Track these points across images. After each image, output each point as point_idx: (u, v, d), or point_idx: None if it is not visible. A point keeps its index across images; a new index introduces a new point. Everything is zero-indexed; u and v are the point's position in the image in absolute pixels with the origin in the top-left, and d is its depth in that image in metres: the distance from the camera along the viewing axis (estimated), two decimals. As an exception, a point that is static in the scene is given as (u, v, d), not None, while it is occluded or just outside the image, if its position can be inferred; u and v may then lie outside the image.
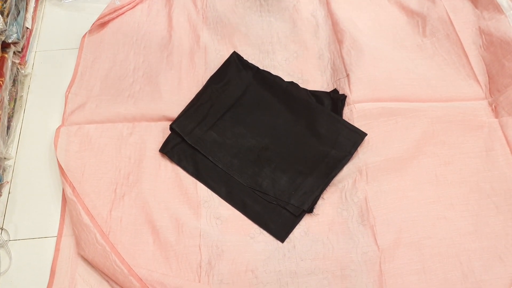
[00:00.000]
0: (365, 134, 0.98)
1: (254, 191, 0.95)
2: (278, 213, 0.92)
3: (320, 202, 0.93)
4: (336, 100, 1.03)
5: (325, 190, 0.94)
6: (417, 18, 1.15)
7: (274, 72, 1.10)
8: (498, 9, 1.06)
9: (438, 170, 0.95)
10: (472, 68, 1.06)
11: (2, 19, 1.03)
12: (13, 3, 1.09)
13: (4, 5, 1.05)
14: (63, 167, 0.94)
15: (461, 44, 1.08)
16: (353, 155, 0.96)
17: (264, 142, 1.00)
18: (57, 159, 0.95)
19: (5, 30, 1.04)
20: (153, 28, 1.18)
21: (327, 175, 0.95)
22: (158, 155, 0.99)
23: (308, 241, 0.89)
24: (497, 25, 1.05)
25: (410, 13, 1.16)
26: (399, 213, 0.91)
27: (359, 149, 0.97)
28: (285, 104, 1.04)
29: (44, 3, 1.24)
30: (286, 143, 1.00)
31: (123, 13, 1.20)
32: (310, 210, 0.92)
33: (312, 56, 1.13)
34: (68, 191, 0.92)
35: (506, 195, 0.92)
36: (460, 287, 0.84)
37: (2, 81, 1.02)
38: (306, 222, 0.92)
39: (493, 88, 1.02)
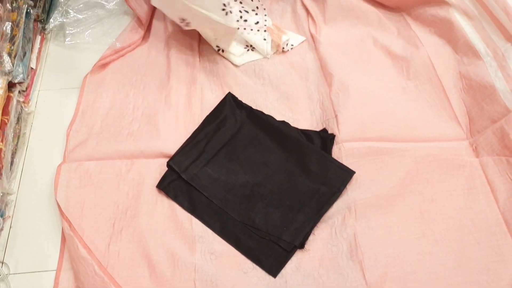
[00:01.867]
0: (353, 172, 1.03)
1: (247, 227, 0.99)
2: (271, 249, 0.96)
3: (311, 238, 0.97)
4: (325, 139, 1.09)
5: (315, 226, 0.98)
6: (402, 62, 1.21)
7: (266, 111, 1.16)
8: (476, 55, 1.13)
9: (423, 207, 1.00)
10: (453, 110, 1.12)
11: (10, 61, 1.08)
12: (20, 45, 1.14)
13: (12, 47, 1.11)
14: (61, 206, 0.98)
15: (443, 87, 1.15)
16: (342, 192, 1.01)
17: (257, 178, 1.05)
18: (56, 198, 0.99)
19: (12, 71, 1.09)
20: (152, 69, 1.24)
21: (317, 211, 0.99)
22: (155, 190, 1.03)
23: (300, 276, 0.93)
24: (476, 70, 1.12)
25: (395, 57, 1.23)
26: (386, 248, 0.95)
27: (348, 186, 1.02)
28: (277, 142, 1.09)
29: (48, 43, 1.30)
30: (278, 179, 1.04)
31: (123, 55, 1.26)
32: (301, 245, 0.96)
33: (302, 96, 1.19)
34: (66, 227, 0.96)
35: (487, 231, 0.97)
36: (444, 320, 0.88)
37: (7, 119, 1.06)
38: (298, 257, 0.95)
39: (473, 129, 1.09)
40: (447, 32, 1.20)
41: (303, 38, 1.30)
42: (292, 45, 1.28)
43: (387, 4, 1.32)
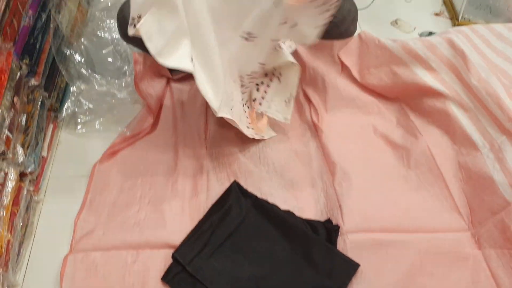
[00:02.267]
0: (358, 265, 1.03)
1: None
2: None
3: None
4: (330, 230, 1.10)
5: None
6: (402, 151, 1.25)
7: (271, 199, 1.18)
8: (474, 146, 1.17)
9: (429, 301, 1.00)
10: (454, 200, 1.14)
11: (23, 152, 1.12)
12: (34, 135, 1.19)
13: (26, 138, 1.15)
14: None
15: (443, 177, 1.18)
16: (348, 286, 1.01)
17: (262, 271, 1.05)
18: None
19: (24, 162, 1.13)
20: (160, 156, 1.28)
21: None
22: (160, 283, 1.03)
23: None
24: (474, 161, 1.15)
25: (395, 146, 1.27)
26: None
27: (353, 279, 1.02)
28: (282, 232, 1.11)
29: (60, 131, 1.35)
30: (284, 272, 1.04)
31: (132, 143, 1.30)
32: None
33: (306, 184, 1.22)
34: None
35: (494, 327, 0.96)
36: None
37: (17, 209, 1.09)
38: None
39: (475, 221, 1.10)
40: (444, 123, 1.24)
41: (274, 135, 1.33)
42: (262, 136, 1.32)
43: (386, 95, 1.38)
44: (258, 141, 1.31)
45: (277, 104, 1.29)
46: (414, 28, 1.70)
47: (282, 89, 1.27)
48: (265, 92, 1.29)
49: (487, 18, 1.58)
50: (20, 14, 1.15)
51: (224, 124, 1.33)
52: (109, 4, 1.52)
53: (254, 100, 1.29)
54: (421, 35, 1.57)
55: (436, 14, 1.76)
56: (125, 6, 1.28)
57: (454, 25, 1.69)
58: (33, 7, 1.20)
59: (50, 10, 1.29)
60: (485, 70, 1.18)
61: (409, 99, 1.34)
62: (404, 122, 1.31)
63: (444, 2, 1.79)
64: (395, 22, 1.73)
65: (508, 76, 1.22)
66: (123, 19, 1.26)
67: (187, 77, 1.44)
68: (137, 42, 1.29)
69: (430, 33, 1.53)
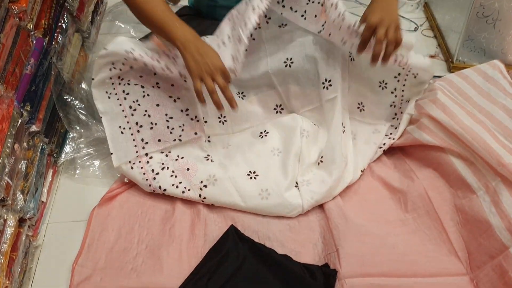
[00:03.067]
0: (356, 310, 1.03)
1: None
2: None
3: None
4: (327, 275, 1.10)
5: None
6: (399, 194, 1.26)
7: (269, 243, 1.18)
8: (470, 189, 1.17)
9: None
10: (452, 244, 1.14)
11: (22, 198, 1.13)
12: (33, 181, 1.20)
13: (26, 184, 1.16)
14: None
15: (440, 221, 1.17)
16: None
17: (259, 318, 1.04)
18: None
19: (23, 208, 1.13)
20: (157, 200, 1.28)
21: None
22: (157, 330, 1.03)
23: None
24: (470, 204, 1.15)
25: (392, 189, 1.28)
26: None
27: (351, 328, 1.01)
28: (280, 278, 1.10)
29: (59, 176, 1.36)
30: (281, 320, 1.04)
31: (130, 187, 1.31)
32: None
33: (304, 228, 1.22)
34: None
35: None
36: None
37: (15, 255, 1.09)
38: None
39: (473, 265, 1.10)
40: (439, 167, 1.25)
41: None
42: None
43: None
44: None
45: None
46: (409, 70, 1.73)
47: None
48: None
49: (481, 61, 1.61)
50: (23, 62, 1.19)
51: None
52: (111, 50, 1.55)
53: None
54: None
55: (431, 57, 1.79)
56: None
57: (449, 67, 1.72)
58: (35, 55, 1.24)
59: (51, 58, 1.33)
60: (467, 118, 1.20)
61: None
62: (400, 166, 1.32)
63: (439, 45, 1.83)
64: (391, 65, 1.76)
65: (493, 119, 1.24)
66: None
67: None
68: None
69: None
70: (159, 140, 1.28)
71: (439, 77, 1.46)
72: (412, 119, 1.34)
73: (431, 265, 1.11)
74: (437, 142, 1.22)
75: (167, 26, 1.09)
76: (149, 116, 1.26)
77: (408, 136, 1.31)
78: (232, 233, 1.19)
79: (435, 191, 1.23)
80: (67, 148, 1.37)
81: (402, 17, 1.92)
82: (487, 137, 1.14)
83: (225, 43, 1.16)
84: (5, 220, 1.06)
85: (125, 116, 1.25)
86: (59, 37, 1.40)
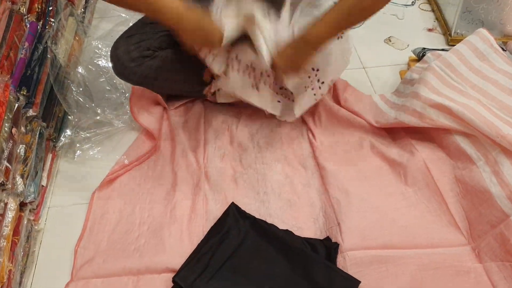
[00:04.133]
0: (359, 282, 1.03)
1: None
2: None
3: None
4: (329, 248, 1.10)
5: None
6: (399, 168, 1.25)
7: (270, 220, 1.18)
8: (469, 159, 1.17)
9: (430, 317, 0.99)
10: (452, 215, 1.14)
11: (22, 182, 1.13)
12: (33, 165, 1.20)
13: (25, 169, 1.16)
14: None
15: (440, 192, 1.17)
16: (349, 304, 1.01)
17: (263, 292, 1.05)
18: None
19: (24, 192, 1.14)
20: (158, 182, 1.28)
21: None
22: (161, 308, 1.04)
23: None
24: (471, 174, 1.15)
25: (392, 163, 1.27)
26: None
27: (354, 297, 1.02)
28: (281, 252, 1.11)
29: (58, 160, 1.36)
30: (284, 292, 1.04)
31: (130, 169, 1.31)
32: None
33: (304, 204, 1.22)
34: None
35: None
36: None
37: (17, 239, 1.09)
38: None
39: (474, 234, 1.10)
40: (438, 139, 1.25)
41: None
42: None
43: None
44: (256, 162, 1.32)
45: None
46: (408, 45, 1.72)
47: None
48: None
49: (480, 33, 1.60)
50: (17, 47, 1.18)
51: (221, 148, 1.34)
52: (105, 33, 1.55)
53: None
54: (414, 51, 1.58)
55: (429, 30, 1.78)
56: (118, 44, 1.31)
57: (447, 40, 1.71)
58: (29, 39, 1.23)
59: (46, 42, 1.32)
60: (460, 97, 1.21)
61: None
62: (400, 140, 1.32)
63: (437, 18, 1.82)
64: (388, 40, 1.75)
65: (487, 95, 1.24)
66: (116, 58, 1.30)
67: (183, 106, 1.48)
68: (132, 79, 1.32)
69: (424, 49, 1.54)
70: None
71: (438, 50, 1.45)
72: (406, 108, 1.31)
73: (432, 236, 1.11)
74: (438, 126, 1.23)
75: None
76: None
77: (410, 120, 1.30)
78: (233, 210, 1.19)
79: (434, 163, 1.23)
80: (66, 132, 1.37)
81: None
82: (482, 111, 1.14)
83: None
84: (5, 204, 1.06)
85: None
86: (52, 21, 1.39)
